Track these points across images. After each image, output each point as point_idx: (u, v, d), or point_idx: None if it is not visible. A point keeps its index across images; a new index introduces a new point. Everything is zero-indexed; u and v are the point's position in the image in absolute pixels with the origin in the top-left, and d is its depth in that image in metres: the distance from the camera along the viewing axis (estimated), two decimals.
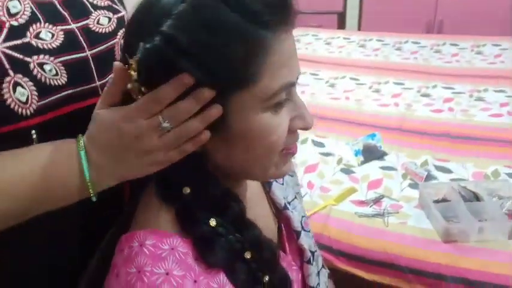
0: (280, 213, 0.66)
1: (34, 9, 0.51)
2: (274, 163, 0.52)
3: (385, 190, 1.34)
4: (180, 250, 0.49)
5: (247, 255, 0.53)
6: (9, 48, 0.47)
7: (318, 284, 0.68)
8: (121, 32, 0.59)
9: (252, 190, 0.64)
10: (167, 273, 0.47)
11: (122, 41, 0.52)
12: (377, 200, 1.30)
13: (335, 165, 1.49)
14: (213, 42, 0.43)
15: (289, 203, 0.69)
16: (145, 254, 0.48)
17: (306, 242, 0.67)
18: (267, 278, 0.54)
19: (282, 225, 0.66)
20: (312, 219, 1.23)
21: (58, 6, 0.54)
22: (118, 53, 0.59)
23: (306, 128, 0.52)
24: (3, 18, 0.48)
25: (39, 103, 0.49)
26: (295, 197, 0.72)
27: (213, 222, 0.51)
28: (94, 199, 0.48)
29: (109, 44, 0.58)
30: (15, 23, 0.49)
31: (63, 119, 0.52)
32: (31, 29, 0.50)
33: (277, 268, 0.57)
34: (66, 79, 0.52)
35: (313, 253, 0.69)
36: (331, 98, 1.99)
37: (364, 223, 1.21)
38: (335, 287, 0.87)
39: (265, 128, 0.48)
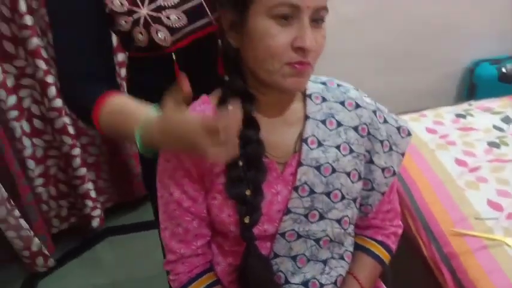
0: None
1: None
2: (280, 73, 0.68)
3: None
4: (206, 113, 0.77)
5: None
6: (151, 10, 0.80)
7: (306, 215, 0.78)
8: None
9: (292, 112, 0.78)
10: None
11: None
12: None
13: None
14: None
15: (320, 143, 0.77)
16: (191, 107, 0.79)
17: (306, 175, 0.77)
18: (241, 163, 0.73)
19: (298, 152, 0.78)
20: (465, 239, 1.07)
21: None
22: None
23: (303, 48, 0.66)
24: None
25: (172, 38, 0.82)
26: (338, 148, 0.78)
27: (230, 107, 0.74)
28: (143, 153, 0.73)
29: None
30: None
31: (191, 45, 0.84)
32: None
33: (255, 163, 0.74)
34: (186, 21, 0.82)
35: (312, 189, 0.77)
36: None
37: None
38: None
39: (266, 31, 0.66)
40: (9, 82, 1.55)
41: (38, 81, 1.58)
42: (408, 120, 1.61)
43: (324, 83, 0.83)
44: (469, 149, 1.42)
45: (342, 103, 0.81)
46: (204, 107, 0.78)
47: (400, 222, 0.93)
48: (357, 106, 0.81)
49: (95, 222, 1.91)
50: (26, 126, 1.65)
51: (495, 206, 1.17)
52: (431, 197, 1.23)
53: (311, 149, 0.78)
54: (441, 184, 1.27)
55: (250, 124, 0.75)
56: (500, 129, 1.51)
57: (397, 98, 2.27)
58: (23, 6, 1.42)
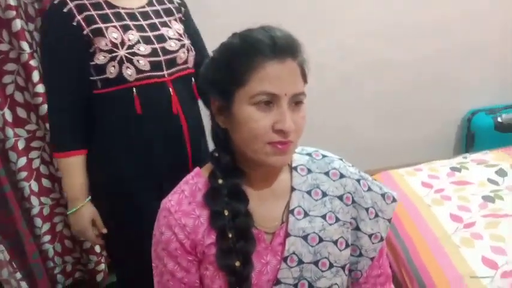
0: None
1: (139, 38, 1.14)
2: (264, 151, 0.74)
3: None
4: (198, 186, 0.83)
5: (226, 213, 0.78)
6: (127, 53, 1.11)
7: (296, 285, 0.81)
8: (180, 50, 1.20)
9: (279, 184, 0.84)
10: (182, 190, 0.83)
11: None
12: None
13: None
14: (226, 63, 0.75)
15: (306, 214, 0.81)
16: (185, 179, 0.85)
17: (294, 245, 0.80)
18: (230, 235, 0.77)
19: (285, 223, 0.82)
20: None
21: (152, 37, 1.17)
22: (179, 58, 1.21)
23: (281, 129, 0.72)
24: (126, 41, 1.12)
25: (136, 77, 1.12)
26: (324, 217, 0.82)
27: (219, 181, 0.80)
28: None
29: (174, 55, 1.19)
30: (130, 43, 1.12)
31: (148, 85, 1.14)
32: (136, 46, 1.13)
33: (244, 234, 0.78)
34: (149, 67, 1.14)
35: (300, 259, 0.81)
36: None
37: None
38: None
39: (249, 116, 0.73)
40: (20, 145, 1.63)
41: (47, 143, 1.66)
42: (404, 175, 1.65)
43: (309, 154, 0.88)
44: (464, 203, 1.45)
45: (327, 173, 0.86)
46: (197, 180, 0.83)
47: (392, 286, 0.95)
48: (341, 176, 0.86)
49: (99, 277, 1.93)
50: (35, 186, 1.71)
51: (490, 264, 1.18)
52: (427, 255, 1.25)
53: (298, 219, 0.82)
54: (437, 241, 1.29)
55: (239, 197, 0.79)
56: (495, 183, 1.54)
57: (396, 148, 2.33)
58: (36, 76, 1.53)
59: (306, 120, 0.77)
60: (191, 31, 1.31)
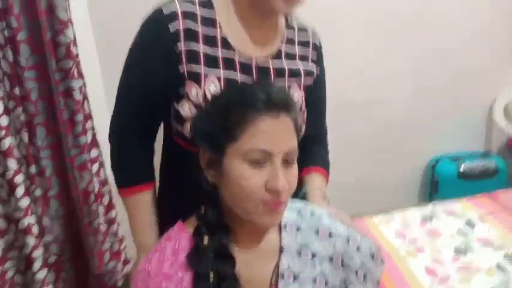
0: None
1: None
2: (257, 211, 0.70)
3: None
4: (181, 243, 0.77)
5: (211, 275, 0.73)
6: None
7: None
8: None
9: (267, 243, 0.79)
10: (163, 249, 0.77)
11: None
12: None
13: None
14: (218, 116, 0.72)
15: (295, 277, 0.77)
16: (167, 235, 0.79)
17: None
18: None
19: (273, 286, 0.78)
20: None
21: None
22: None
23: (274, 189, 0.68)
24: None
25: None
26: (314, 281, 0.78)
27: (205, 241, 0.75)
28: None
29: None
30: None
31: None
32: None
33: None
34: None
35: None
36: None
37: None
38: None
39: (240, 173, 0.69)
40: None
41: (6, 181, 1.53)
42: (378, 224, 1.65)
43: (298, 210, 0.85)
44: (437, 255, 1.46)
45: (317, 232, 0.83)
46: (180, 236, 0.78)
47: None
48: (330, 235, 0.83)
49: None
50: None
51: None
52: None
53: (287, 284, 0.77)
54: None
55: (225, 258, 0.75)
56: (464, 235, 1.57)
57: (367, 192, 2.34)
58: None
59: (297, 178, 0.75)
60: (316, 95, 1.00)
